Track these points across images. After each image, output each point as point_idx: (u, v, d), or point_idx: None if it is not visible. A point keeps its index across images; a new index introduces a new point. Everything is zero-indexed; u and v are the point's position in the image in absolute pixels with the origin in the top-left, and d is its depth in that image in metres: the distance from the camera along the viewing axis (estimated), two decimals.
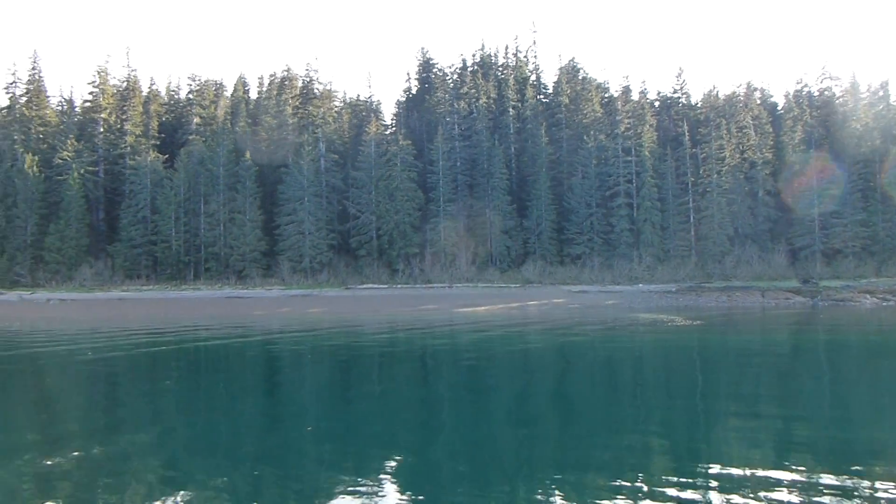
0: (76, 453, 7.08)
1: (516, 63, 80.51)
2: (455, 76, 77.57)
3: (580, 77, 77.32)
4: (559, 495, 5.49)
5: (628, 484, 5.79)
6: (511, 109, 73.77)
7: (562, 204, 66.94)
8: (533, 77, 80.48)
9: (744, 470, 6.34)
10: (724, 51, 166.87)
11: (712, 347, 19.09)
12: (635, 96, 75.02)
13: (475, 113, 71.60)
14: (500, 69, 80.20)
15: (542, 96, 78.59)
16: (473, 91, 73.32)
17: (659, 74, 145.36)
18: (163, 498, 5.38)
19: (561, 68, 77.94)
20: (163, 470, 6.30)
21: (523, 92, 75.75)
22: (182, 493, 5.45)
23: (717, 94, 74.91)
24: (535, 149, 70.11)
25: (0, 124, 74.79)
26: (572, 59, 79.43)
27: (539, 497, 5.48)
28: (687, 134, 66.92)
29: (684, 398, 10.57)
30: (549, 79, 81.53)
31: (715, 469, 6.35)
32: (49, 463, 6.47)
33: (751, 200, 65.73)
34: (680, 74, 77.96)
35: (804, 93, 73.48)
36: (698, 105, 74.97)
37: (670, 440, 7.62)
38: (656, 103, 77.42)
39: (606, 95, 76.47)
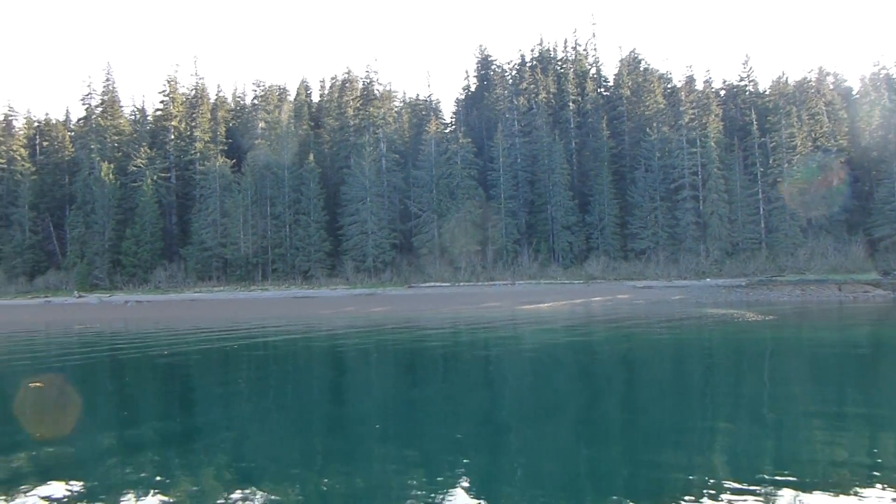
0: (152, 442, 7.43)
1: (576, 56, 79.59)
2: (514, 72, 77.25)
3: (641, 68, 75.80)
4: (627, 496, 5.46)
5: (699, 488, 5.71)
6: (571, 104, 72.98)
7: (625, 198, 65.84)
8: (593, 70, 79.41)
9: (821, 476, 6.16)
10: (793, 35, 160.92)
11: (786, 343, 18.50)
12: (700, 86, 73.09)
13: (535, 108, 71.15)
14: (560, 63, 79.43)
15: (602, 89, 77.44)
16: (532, 86, 72.86)
17: (724, 63, 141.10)
18: (234, 490, 5.59)
19: (621, 60, 76.64)
20: (234, 463, 6.54)
21: (583, 86, 74.83)
22: (251, 487, 5.66)
23: (786, 81, 72.26)
24: (596, 143, 69.23)
25: (77, 134, 78.45)
26: (633, 51, 77.98)
27: (606, 498, 5.47)
28: (755, 123, 64.83)
29: (756, 397, 10.31)
30: (610, 71, 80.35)
31: (788, 476, 6.19)
32: (128, 449, 6.83)
33: (825, 190, 63.20)
34: (747, 62, 75.58)
35: (882, 75, 70.17)
36: (766, 92, 72.43)
37: (739, 440, 7.46)
38: (722, 92, 75.27)
39: (669, 86, 74.77)
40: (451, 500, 5.33)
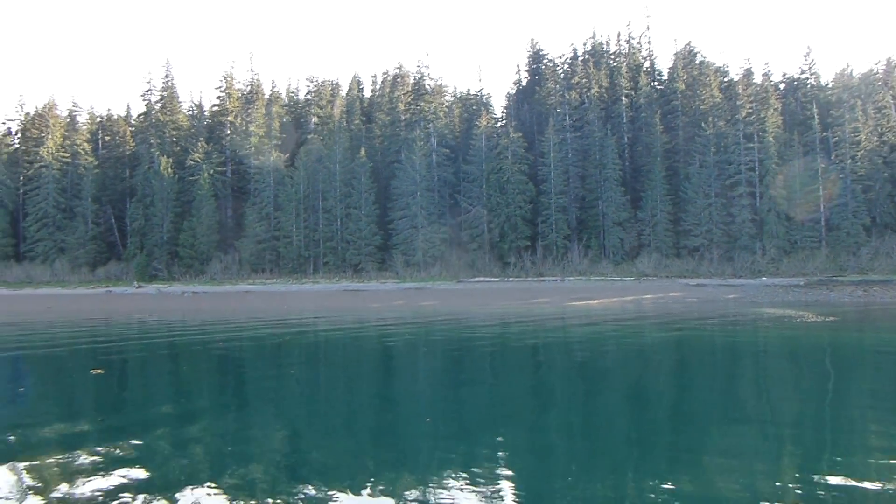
0: (206, 429, 7.65)
1: (629, 50, 78.37)
2: (566, 66, 76.55)
3: (697, 62, 74.15)
4: (681, 496, 5.38)
5: (746, 492, 5.60)
6: (624, 98, 71.93)
7: (678, 194, 64.60)
8: (647, 64, 78.07)
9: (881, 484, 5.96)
10: (859, 25, 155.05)
11: (847, 346, 17.91)
12: (758, 79, 71.06)
13: (587, 103, 70.37)
14: (612, 57, 78.34)
15: (656, 83, 76.08)
16: (585, 81, 72.06)
17: (785, 55, 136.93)
18: (284, 478, 5.70)
19: (676, 53, 75.13)
20: (284, 452, 6.68)
21: (636, 80, 73.64)
22: (301, 474, 5.76)
23: (850, 73, 69.73)
24: (649, 138, 68.10)
25: (138, 129, 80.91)
26: (689, 44, 76.32)
27: (652, 494, 5.41)
28: (816, 117, 62.75)
29: (809, 399, 10.02)
30: (664, 65, 79.05)
31: (842, 481, 6.00)
32: (183, 436, 7.05)
33: (891, 187, 60.83)
34: (808, 54, 73.56)
35: None
36: (829, 85, 69.98)
37: (787, 443, 7.27)
38: (781, 86, 73.08)
39: (726, 80, 72.92)
40: (495, 491, 5.34)
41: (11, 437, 7.47)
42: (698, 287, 50.65)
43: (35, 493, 5.34)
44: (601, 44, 79.47)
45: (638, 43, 79.39)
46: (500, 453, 6.67)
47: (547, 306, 35.41)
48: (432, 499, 5.23)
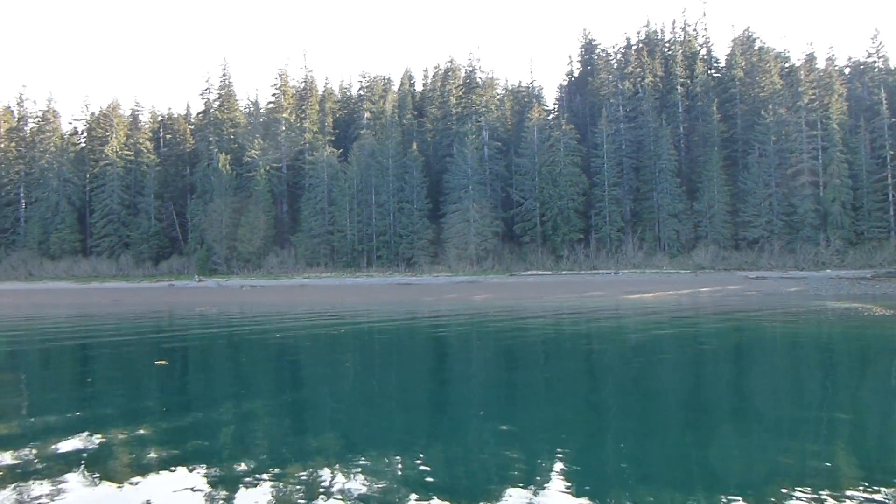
0: (265, 417, 7.88)
1: (684, 38, 76.59)
2: (619, 56, 75.29)
3: (756, 47, 71.99)
4: (735, 490, 5.31)
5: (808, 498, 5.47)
6: (679, 87, 70.41)
7: (736, 185, 62.97)
8: (703, 51, 76.18)
9: None
10: None
11: None
12: (821, 64, 68.66)
13: (641, 93, 69.15)
14: (667, 45, 76.72)
15: (713, 71, 74.20)
16: (639, 70, 70.81)
17: (850, 38, 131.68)
18: (339, 465, 5.83)
19: (734, 39, 73.13)
20: (339, 441, 6.81)
21: (692, 68, 71.97)
22: (355, 462, 5.87)
23: None
24: (706, 127, 66.55)
25: (197, 127, 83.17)
26: (747, 29, 74.14)
27: (711, 493, 5.34)
28: (885, 102, 60.24)
29: (877, 395, 9.69)
30: (721, 52, 77.10)
31: None
32: (243, 423, 7.28)
33: None
34: (876, 36, 70.61)
35: None
36: None
37: (850, 448, 7.06)
38: (846, 70, 70.44)
39: (787, 65, 70.66)
40: (546, 485, 5.36)
41: (79, 421, 7.83)
42: (758, 280, 49.36)
43: (101, 472, 5.61)
44: (655, 32, 77.91)
45: (694, 30, 77.54)
46: (552, 446, 6.68)
47: (601, 300, 35.05)
48: (484, 490, 5.28)
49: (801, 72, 64.92)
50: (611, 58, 75.36)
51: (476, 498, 5.17)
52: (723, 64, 74.06)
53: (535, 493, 5.23)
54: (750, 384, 10.72)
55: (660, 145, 64.56)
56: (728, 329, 19.41)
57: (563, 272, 59.16)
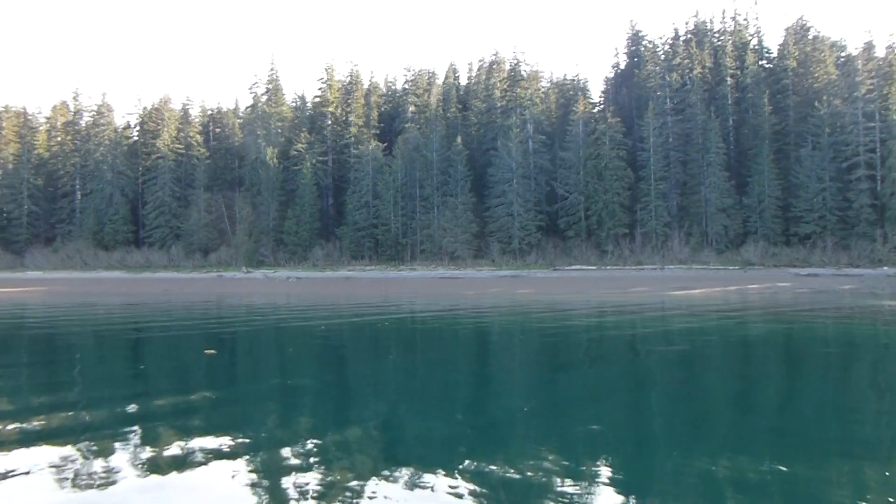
0: (310, 407, 8.05)
1: (734, 27, 74.86)
2: (666, 48, 74.05)
3: (810, 36, 70.00)
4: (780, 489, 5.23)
5: None
6: (729, 78, 68.92)
7: (788, 178, 61.41)
8: (754, 41, 74.39)
9: None
10: None
11: None
12: (880, 52, 66.27)
13: (688, 85, 67.89)
14: (717, 36, 75.12)
15: (764, 61, 72.41)
16: (687, 61, 69.50)
17: None
18: (380, 459, 5.91)
19: (787, 29, 71.21)
20: (382, 432, 6.91)
21: (743, 58, 70.34)
22: (396, 460, 5.95)
23: None
24: (756, 119, 65.02)
25: (245, 121, 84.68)
26: (801, 18, 72.27)
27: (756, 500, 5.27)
28: None
29: None
30: (773, 42, 75.24)
31: None
32: (288, 412, 7.46)
33: None
34: None
35: None
36: None
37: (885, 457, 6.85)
38: None
39: (843, 55, 68.50)
40: (591, 484, 5.37)
41: (132, 408, 8.11)
42: (810, 277, 48.11)
43: (149, 458, 5.81)
44: (704, 22, 76.33)
45: (744, 19, 75.80)
46: (596, 443, 6.67)
47: (646, 295, 34.60)
48: (525, 485, 5.31)
49: (859, 61, 62.82)
50: (658, 49, 74.15)
51: (516, 494, 5.21)
52: (775, 54, 72.22)
53: (579, 492, 5.24)
54: (801, 388, 10.50)
55: (708, 138, 63.34)
56: (779, 329, 18.99)
57: (608, 267, 58.60)
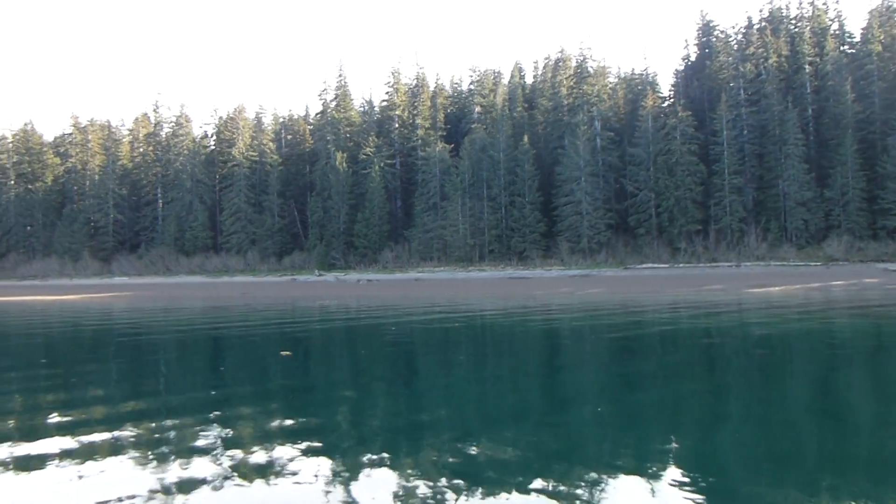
0: (383, 406, 8.22)
1: (813, 13, 71.84)
2: (739, 37, 71.64)
3: None
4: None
5: None
6: (807, 66, 66.20)
7: (874, 169, 58.52)
8: (834, 26, 71.20)
9: None
10: None
11: None
12: None
13: (763, 74, 65.58)
14: (793, 22, 72.27)
15: (846, 47, 69.22)
16: (761, 50, 67.12)
17: None
18: (452, 459, 5.99)
19: (871, 11, 67.76)
20: (454, 432, 6.99)
21: (822, 44, 67.42)
22: (468, 458, 6.01)
23: None
24: (838, 108, 62.21)
25: (315, 127, 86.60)
26: None
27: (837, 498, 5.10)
28: None
29: None
30: (855, 26, 71.64)
31: None
32: (359, 413, 7.64)
33: None
34: None
35: None
36: None
37: None
38: None
39: None
40: (663, 488, 5.31)
41: (215, 413, 8.47)
42: None
43: (234, 457, 6.07)
44: (780, 9, 73.57)
45: (823, 4, 72.58)
46: (671, 449, 6.58)
47: (721, 294, 33.63)
48: (599, 494, 5.30)
49: None
50: (731, 39, 71.85)
51: (590, 491, 5.21)
52: (857, 38, 68.96)
53: (649, 492, 5.20)
54: (884, 391, 10.04)
55: (786, 129, 61.02)
56: (867, 328, 18.16)
57: (680, 265, 57.24)
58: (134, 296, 49.26)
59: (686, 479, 5.40)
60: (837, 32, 70.57)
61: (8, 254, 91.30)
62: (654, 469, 5.70)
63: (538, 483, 5.35)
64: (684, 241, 60.97)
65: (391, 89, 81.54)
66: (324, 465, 5.87)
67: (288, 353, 13.57)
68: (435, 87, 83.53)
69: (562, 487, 5.27)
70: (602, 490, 5.20)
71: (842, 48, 68.59)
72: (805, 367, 11.86)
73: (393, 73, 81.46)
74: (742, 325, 18.78)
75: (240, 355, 14.73)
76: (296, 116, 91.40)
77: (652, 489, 5.20)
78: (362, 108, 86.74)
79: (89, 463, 6.01)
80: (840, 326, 18.25)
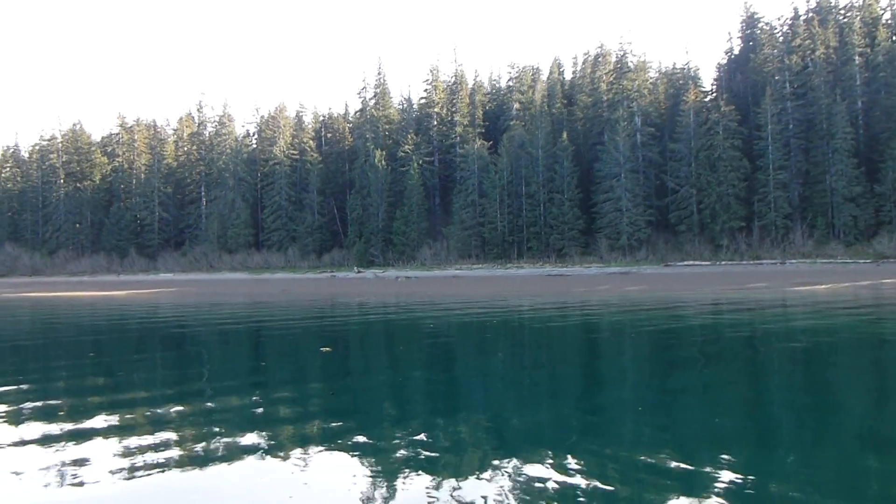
0: (420, 404, 8.26)
1: (863, 2, 69.78)
2: (784, 29, 70.08)
3: None
4: None
5: None
6: (857, 57, 64.38)
7: None
8: (886, 15, 69.17)
9: None
10: None
11: None
12: None
13: (810, 67, 64.01)
14: (842, 12, 70.38)
15: None
16: (808, 42, 65.51)
17: None
18: (488, 458, 6.01)
19: None
20: (490, 431, 7.01)
21: (873, 35, 65.53)
22: (505, 458, 6.03)
23: None
24: (889, 100, 60.44)
25: (355, 125, 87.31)
26: None
27: None
28: None
29: None
30: None
31: None
32: (397, 410, 7.71)
33: None
34: None
35: None
36: None
37: None
38: None
39: None
40: (709, 496, 5.25)
41: (258, 410, 8.63)
42: None
43: (268, 450, 6.19)
44: (828, 0, 71.61)
45: None
46: (712, 453, 6.49)
47: (765, 292, 32.93)
48: (638, 493, 5.26)
49: None
50: (776, 31, 70.32)
51: (628, 489, 5.18)
52: None
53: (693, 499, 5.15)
54: None
55: (833, 123, 59.46)
56: None
57: (723, 262, 56.26)
58: (178, 292, 50.34)
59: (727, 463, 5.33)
60: (889, 22, 68.49)
61: (58, 250, 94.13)
62: (696, 462, 5.63)
63: (575, 481, 5.34)
64: (727, 238, 59.88)
65: (430, 87, 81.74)
66: (358, 459, 5.94)
67: (328, 349, 13.73)
68: (473, 84, 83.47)
69: (597, 481, 5.25)
70: (637, 478, 5.17)
71: (894, 38, 66.53)
72: (849, 364, 11.56)
73: (431, 71, 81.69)
74: (786, 323, 18.39)
75: (281, 350, 14.96)
76: (335, 115, 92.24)
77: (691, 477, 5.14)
78: (401, 106, 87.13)
79: (132, 438, 6.37)
80: (892, 327, 17.72)
